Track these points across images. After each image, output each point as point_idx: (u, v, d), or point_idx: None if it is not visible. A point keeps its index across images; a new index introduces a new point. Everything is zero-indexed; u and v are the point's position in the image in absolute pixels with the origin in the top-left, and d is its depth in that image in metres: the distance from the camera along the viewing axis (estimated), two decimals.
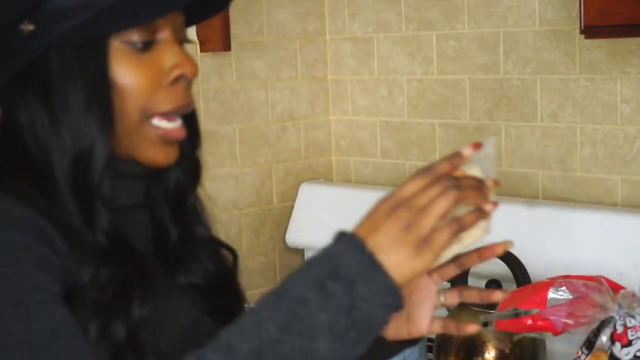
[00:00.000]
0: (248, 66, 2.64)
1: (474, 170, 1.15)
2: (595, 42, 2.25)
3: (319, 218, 2.64)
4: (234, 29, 2.60)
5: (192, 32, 2.55)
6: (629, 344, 1.65)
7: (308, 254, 2.72)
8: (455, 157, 1.12)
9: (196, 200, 1.32)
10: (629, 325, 1.66)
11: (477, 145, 1.13)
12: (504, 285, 2.06)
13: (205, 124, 2.57)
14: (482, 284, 2.08)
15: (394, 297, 1.04)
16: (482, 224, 1.13)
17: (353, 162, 2.79)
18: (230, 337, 1.03)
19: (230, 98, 2.62)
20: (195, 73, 1.26)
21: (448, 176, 1.09)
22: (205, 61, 2.57)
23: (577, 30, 2.21)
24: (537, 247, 2.18)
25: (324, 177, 2.82)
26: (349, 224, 2.70)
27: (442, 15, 2.53)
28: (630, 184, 2.25)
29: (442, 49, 2.54)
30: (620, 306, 1.68)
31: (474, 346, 1.99)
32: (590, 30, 1.96)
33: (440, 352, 2.04)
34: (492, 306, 1.98)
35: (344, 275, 1.04)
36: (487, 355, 1.97)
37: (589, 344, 1.70)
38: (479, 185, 1.10)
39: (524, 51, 2.39)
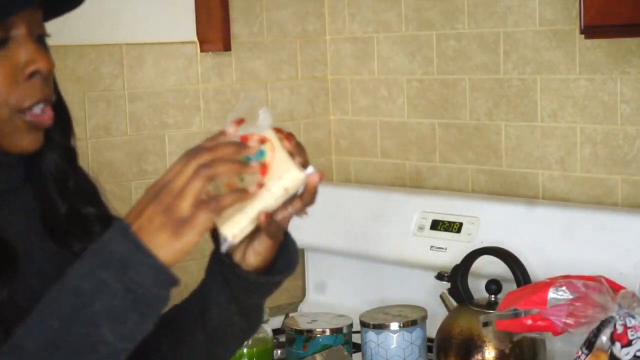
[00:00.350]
0: (248, 66, 2.64)
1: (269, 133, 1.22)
2: (595, 42, 2.25)
3: (319, 218, 2.64)
4: (234, 29, 2.60)
5: (192, 32, 2.55)
6: (629, 344, 1.65)
7: (308, 254, 2.72)
8: (220, 135, 1.18)
9: (83, 182, 1.38)
10: (629, 325, 1.66)
11: (240, 121, 1.21)
12: (503, 285, 2.06)
13: (205, 123, 2.57)
14: (482, 283, 2.08)
15: (165, 275, 1.10)
16: (274, 188, 1.20)
17: (353, 162, 2.79)
18: (18, 337, 1.10)
19: (230, 98, 2.62)
20: (49, 67, 1.28)
21: (203, 153, 1.13)
22: (205, 61, 2.57)
23: (577, 30, 2.21)
24: (537, 247, 2.19)
25: (324, 177, 2.81)
26: (348, 224, 2.71)
27: (442, 15, 2.53)
28: (630, 184, 2.25)
29: (442, 49, 2.54)
30: (620, 306, 1.68)
31: (474, 346, 1.99)
32: (590, 30, 1.96)
33: (440, 352, 2.04)
34: (493, 306, 1.98)
35: (114, 263, 1.09)
36: (487, 355, 1.97)
37: (589, 344, 1.70)
38: (235, 158, 1.15)
39: (524, 51, 2.39)
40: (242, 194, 1.15)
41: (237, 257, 1.29)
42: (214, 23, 2.53)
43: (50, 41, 2.38)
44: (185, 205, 1.11)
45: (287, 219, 1.28)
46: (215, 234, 1.26)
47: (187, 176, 1.12)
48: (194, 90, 2.56)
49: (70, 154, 1.38)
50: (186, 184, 1.11)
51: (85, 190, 1.38)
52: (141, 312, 1.10)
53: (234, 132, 1.19)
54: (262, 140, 1.21)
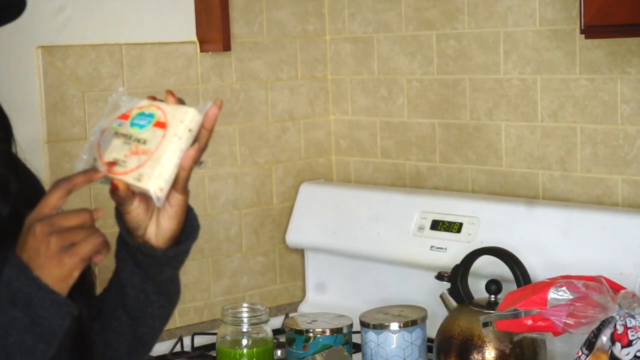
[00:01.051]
0: (248, 66, 2.64)
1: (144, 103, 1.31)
2: (595, 42, 2.25)
3: (319, 218, 2.64)
4: (234, 29, 2.60)
5: (192, 32, 2.55)
6: (629, 344, 1.65)
7: (308, 254, 2.72)
8: (91, 172, 1.27)
9: (29, 187, 1.43)
10: (629, 325, 1.67)
11: (125, 116, 1.30)
12: (504, 285, 2.06)
13: None
14: (482, 283, 2.08)
15: (65, 307, 1.22)
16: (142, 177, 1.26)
17: (353, 162, 2.79)
18: None
19: (230, 98, 2.62)
20: None
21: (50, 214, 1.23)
22: (205, 61, 2.57)
23: (577, 30, 2.21)
24: (537, 247, 2.19)
25: (324, 177, 2.82)
26: (348, 224, 2.71)
27: (442, 15, 2.53)
28: (630, 184, 2.25)
29: (442, 49, 2.54)
30: (620, 306, 1.68)
31: (474, 346, 1.99)
32: (590, 30, 1.96)
33: (440, 352, 2.04)
34: (493, 306, 1.98)
35: (19, 300, 1.20)
36: (487, 356, 1.97)
37: (589, 344, 1.70)
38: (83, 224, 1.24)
39: (524, 51, 2.39)
40: (98, 246, 1.23)
41: (141, 236, 1.34)
42: (214, 23, 2.53)
43: (50, 41, 2.40)
44: (54, 247, 1.21)
45: (193, 161, 1.31)
46: (119, 217, 1.33)
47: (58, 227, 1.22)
48: (194, 90, 2.56)
49: (10, 159, 1.42)
50: (54, 235, 1.21)
51: (30, 195, 1.41)
52: (47, 341, 1.22)
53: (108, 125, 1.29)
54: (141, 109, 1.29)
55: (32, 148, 2.27)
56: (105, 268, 1.46)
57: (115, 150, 1.27)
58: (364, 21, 2.70)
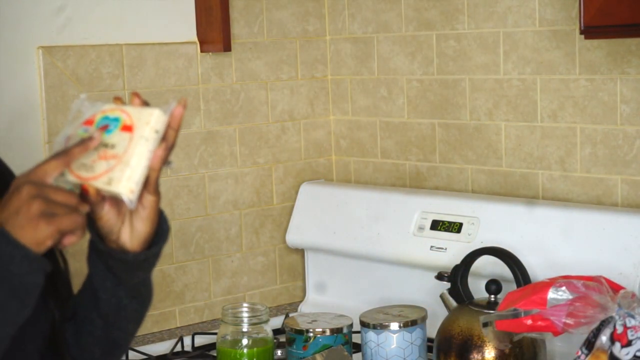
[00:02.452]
0: (248, 66, 2.64)
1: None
2: (595, 42, 2.25)
3: (319, 218, 2.65)
4: (234, 29, 2.60)
5: (192, 32, 2.56)
6: (628, 344, 1.66)
7: (308, 254, 2.72)
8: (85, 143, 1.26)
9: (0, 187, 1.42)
10: (628, 325, 1.67)
11: (89, 122, 1.29)
12: (503, 285, 2.06)
13: (205, 124, 2.58)
14: (482, 283, 2.08)
15: (36, 263, 1.20)
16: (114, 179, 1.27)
17: (353, 162, 2.79)
18: None
19: (230, 98, 2.62)
20: None
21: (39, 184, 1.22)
22: (205, 61, 2.57)
23: (577, 30, 2.21)
24: (537, 247, 2.19)
25: (324, 177, 2.82)
26: (348, 224, 2.71)
27: (442, 15, 2.53)
28: (630, 184, 2.25)
29: (442, 49, 2.55)
30: (620, 306, 1.68)
31: (474, 346, 1.99)
32: (590, 30, 1.96)
33: (440, 352, 2.05)
34: (492, 306, 1.98)
35: None
36: (487, 355, 1.97)
37: (589, 344, 1.70)
38: (69, 203, 1.23)
39: (524, 51, 2.39)
40: (76, 220, 1.22)
41: (115, 241, 1.34)
42: (214, 23, 2.53)
43: (50, 41, 2.40)
44: (41, 209, 1.20)
45: (162, 161, 1.31)
46: (91, 224, 1.33)
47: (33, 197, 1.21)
48: (194, 90, 2.56)
49: None
50: (29, 204, 1.20)
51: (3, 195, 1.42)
52: (20, 298, 1.20)
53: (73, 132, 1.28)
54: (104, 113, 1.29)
55: (32, 148, 2.28)
56: (77, 271, 1.46)
57: (82, 156, 1.27)
58: (364, 21, 2.71)
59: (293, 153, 2.75)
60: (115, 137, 1.26)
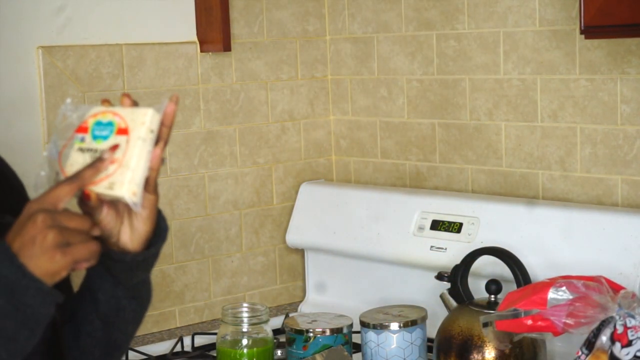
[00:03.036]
0: (248, 66, 2.64)
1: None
2: (595, 42, 2.25)
3: (319, 218, 2.65)
4: (234, 29, 2.60)
5: (192, 32, 2.56)
6: (629, 344, 1.66)
7: (308, 254, 2.72)
8: (98, 163, 1.26)
9: (5, 191, 1.43)
10: (629, 325, 1.67)
11: (83, 129, 1.28)
12: (504, 285, 2.06)
13: (205, 124, 2.58)
14: (482, 284, 2.08)
15: (51, 295, 1.21)
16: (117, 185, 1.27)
17: (353, 162, 2.79)
18: None
19: (230, 98, 2.62)
20: None
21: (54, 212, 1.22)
22: (205, 61, 2.57)
23: (577, 30, 2.21)
24: (537, 247, 2.19)
25: (324, 177, 2.82)
26: (348, 224, 2.71)
27: (442, 15, 2.53)
28: (630, 184, 2.25)
29: (442, 49, 2.55)
30: (620, 306, 1.68)
31: (474, 346, 1.99)
32: (590, 30, 1.96)
33: (440, 352, 2.04)
34: (493, 306, 1.98)
35: (3, 287, 1.19)
36: (487, 356, 1.97)
37: (589, 344, 1.70)
38: (82, 228, 1.23)
39: (524, 51, 2.39)
40: (90, 254, 1.23)
41: (115, 243, 1.34)
42: (214, 23, 2.53)
43: (50, 41, 2.40)
44: (57, 239, 1.20)
45: (159, 160, 1.31)
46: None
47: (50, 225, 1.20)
48: (194, 90, 2.56)
49: None
50: (46, 232, 1.20)
51: (6, 199, 1.41)
52: (30, 328, 1.21)
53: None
54: (95, 116, 1.29)
55: (32, 148, 2.28)
56: (75, 272, 1.46)
57: (78, 163, 1.26)
58: (364, 21, 2.70)
59: (293, 153, 2.75)
60: (112, 141, 1.26)
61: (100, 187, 1.25)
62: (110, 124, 1.27)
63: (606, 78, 2.25)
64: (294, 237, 2.69)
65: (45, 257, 1.19)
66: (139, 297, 1.41)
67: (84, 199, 1.27)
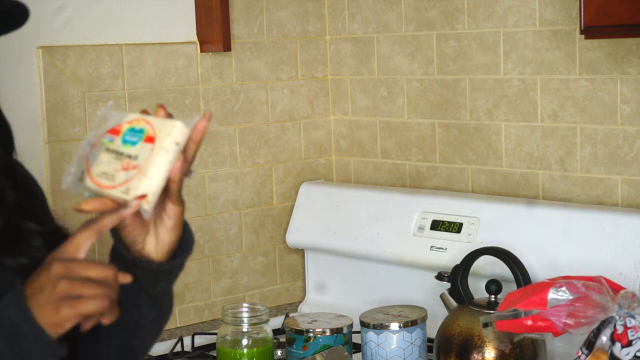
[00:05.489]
0: (248, 66, 2.64)
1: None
2: (595, 42, 2.25)
3: (319, 218, 2.65)
4: (234, 29, 2.60)
5: (192, 32, 2.56)
6: (629, 344, 1.66)
7: (308, 254, 2.72)
8: (116, 214, 1.26)
9: (28, 197, 1.42)
10: (629, 325, 1.67)
11: (116, 131, 1.29)
12: (504, 285, 2.06)
13: None
14: (482, 284, 2.08)
15: (50, 347, 1.19)
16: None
17: (353, 162, 2.79)
18: None
19: (230, 98, 2.62)
20: None
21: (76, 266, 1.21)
22: (205, 61, 2.57)
23: (577, 30, 2.21)
24: (537, 247, 2.19)
25: (324, 177, 2.82)
26: (348, 224, 2.71)
27: (442, 15, 2.53)
28: (630, 184, 2.25)
29: (442, 49, 2.55)
30: (620, 306, 1.68)
31: (474, 346, 1.99)
32: (590, 30, 1.96)
33: (440, 352, 2.05)
34: (493, 306, 1.98)
35: (5, 329, 1.18)
36: (487, 356, 1.98)
37: (589, 344, 1.70)
38: (105, 279, 1.22)
39: (524, 51, 2.39)
40: (108, 309, 1.22)
41: (139, 250, 1.34)
42: (214, 23, 2.53)
43: (50, 41, 2.40)
44: (66, 291, 1.19)
45: (181, 173, 1.30)
46: (114, 232, 1.33)
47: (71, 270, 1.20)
48: (194, 90, 2.56)
49: (10, 169, 1.40)
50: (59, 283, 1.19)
51: (28, 205, 1.41)
52: None
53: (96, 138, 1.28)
54: (131, 123, 1.30)
55: (32, 148, 2.28)
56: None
57: (104, 164, 1.27)
58: (364, 21, 2.71)
59: (293, 153, 2.75)
60: (139, 148, 1.27)
61: (117, 191, 1.26)
62: (141, 131, 1.28)
63: (606, 78, 2.26)
64: (294, 237, 2.69)
65: (50, 307, 1.18)
66: (161, 306, 1.41)
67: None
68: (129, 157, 1.27)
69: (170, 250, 1.34)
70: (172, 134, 1.27)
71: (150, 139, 1.27)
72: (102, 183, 1.27)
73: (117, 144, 1.28)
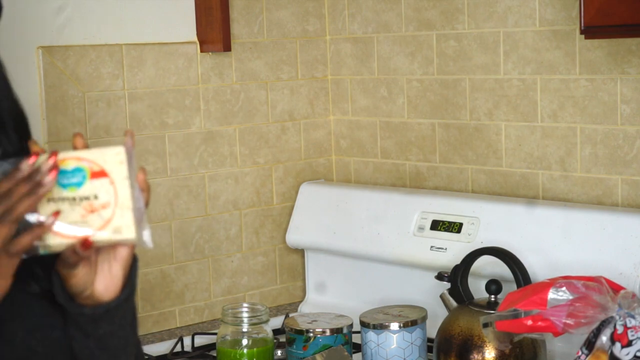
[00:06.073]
0: (248, 66, 2.64)
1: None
2: (595, 42, 2.25)
3: (319, 218, 2.65)
4: (234, 29, 2.60)
5: (192, 32, 2.56)
6: (629, 344, 1.66)
7: (308, 254, 2.72)
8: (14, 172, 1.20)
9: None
10: (629, 325, 1.67)
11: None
12: (504, 285, 2.06)
13: (205, 124, 2.58)
14: (482, 284, 2.08)
15: None
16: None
17: (353, 162, 2.79)
18: None
19: (230, 98, 2.62)
20: None
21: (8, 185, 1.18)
22: (205, 61, 2.57)
23: (577, 30, 2.21)
24: (537, 247, 2.19)
25: (324, 177, 2.82)
26: (348, 224, 2.71)
27: (442, 15, 2.53)
28: (630, 184, 2.25)
29: (442, 49, 2.55)
30: (620, 306, 1.68)
31: (474, 346, 1.99)
32: (590, 30, 1.96)
33: (440, 352, 2.05)
34: (493, 306, 1.98)
35: None
36: (487, 356, 1.98)
37: (589, 344, 1.70)
38: (29, 193, 1.19)
39: (524, 51, 2.39)
40: (37, 230, 1.20)
41: (88, 296, 1.28)
42: (214, 23, 2.53)
43: (50, 41, 2.40)
44: None
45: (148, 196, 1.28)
46: (58, 288, 1.29)
47: None
48: (194, 90, 2.56)
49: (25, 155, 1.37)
50: None
51: None
52: None
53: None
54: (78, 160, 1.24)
55: None
56: None
57: (62, 216, 1.21)
58: (364, 21, 2.71)
59: (293, 153, 2.75)
60: (89, 187, 1.22)
61: (103, 234, 1.21)
62: (79, 169, 1.22)
63: (606, 78, 2.26)
64: (294, 237, 2.69)
65: None
66: (109, 348, 1.34)
67: (83, 248, 1.22)
68: (87, 198, 1.21)
69: (122, 284, 1.29)
70: (123, 161, 1.22)
71: (100, 174, 1.22)
72: (76, 233, 1.21)
73: (55, 191, 1.21)
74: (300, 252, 2.75)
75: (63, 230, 1.21)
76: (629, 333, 1.66)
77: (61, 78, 2.34)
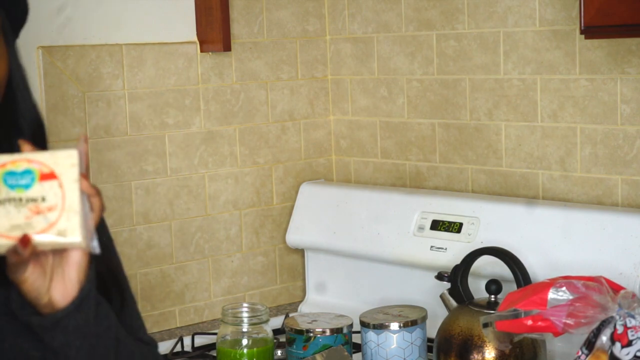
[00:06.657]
0: (248, 66, 2.64)
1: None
2: (595, 42, 2.25)
3: (319, 218, 2.65)
4: (234, 29, 2.60)
5: (192, 32, 2.56)
6: (629, 344, 1.66)
7: (308, 254, 2.72)
8: None
9: None
10: (629, 325, 1.67)
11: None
12: (504, 285, 2.06)
13: (205, 124, 2.58)
14: (482, 284, 2.08)
15: None
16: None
17: (353, 162, 2.79)
18: None
19: (230, 98, 2.62)
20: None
21: None
22: (205, 61, 2.57)
23: (577, 30, 2.21)
24: (537, 247, 2.19)
25: (324, 177, 2.82)
26: (348, 224, 2.71)
27: (442, 15, 2.53)
28: (630, 184, 2.25)
29: (442, 49, 2.55)
30: (620, 306, 1.68)
31: (474, 346, 1.99)
32: (590, 30, 1.96)
33: (440, 352, 2.05)
34: (493, 306, 1.98)
35: None
36: (487, 356, 1.98)
37: (589, 344, 1.70)
38: None
39: (524, 51, 2.39)
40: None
41: (46, 304, 1.23)
42: (214, 23, 2.53)
43: (50, 41, 2.40)
44: None
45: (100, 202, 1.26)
46: (13, 296, 1.25)
47: None
48: (194, 90, 2.56)
49: None
50: None
51: None
52: None
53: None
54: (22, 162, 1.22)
55: None
56: None
57: (3, 216, 1.19)
58: (364, 21, 2.71)
59: (293, 153, 2.75)
60: (38, 189, 1.20)
61: (48, 236, 1.19)
62: (28, 171, 1.20)
63: (606, 78, 2.26)
64: (294, 237, 2.69)
65: None
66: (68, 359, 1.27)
67: (22, 247, 1.18)
68: (33, 200, 1.19)
69: (79, 289, 1.24)
70: (75, 165, 1.20)
71: (49, 176, 1.20)
72: (18, 234, 1.18)
73: (3, 192, 1.19)
74: (300, 252, 2.75)
75: (5, 232, 1.19)
76: (629, 333, 1.66)
77: (61, 78, 2.34)
